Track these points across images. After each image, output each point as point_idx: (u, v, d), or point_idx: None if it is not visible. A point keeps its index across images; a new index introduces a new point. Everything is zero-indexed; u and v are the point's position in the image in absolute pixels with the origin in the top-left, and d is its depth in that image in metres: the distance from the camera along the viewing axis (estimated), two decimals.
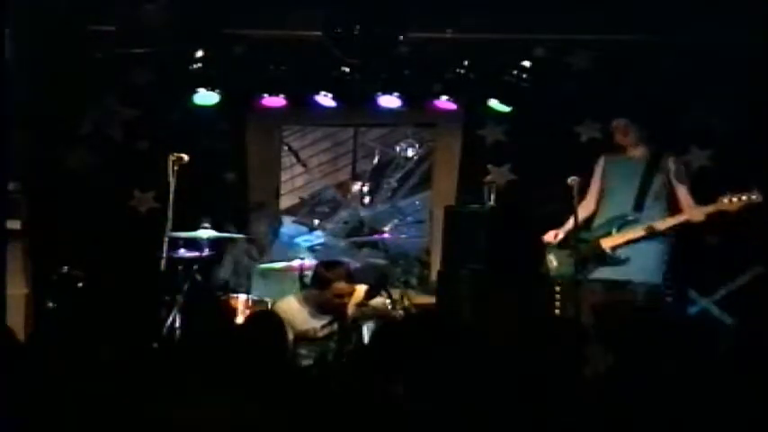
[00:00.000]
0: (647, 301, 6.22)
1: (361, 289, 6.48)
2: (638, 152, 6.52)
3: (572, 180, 6.21)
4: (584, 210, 6.61)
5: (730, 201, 6.12)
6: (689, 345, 3.43)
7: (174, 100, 7.91)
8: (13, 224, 7.00)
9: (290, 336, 6.01)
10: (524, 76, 7.60)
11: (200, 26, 7.41)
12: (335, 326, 6.23)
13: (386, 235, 9.25)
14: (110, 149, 8.09)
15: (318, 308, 6.25)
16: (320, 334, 6.19)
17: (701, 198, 6.39)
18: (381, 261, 8.52)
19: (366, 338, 6.43)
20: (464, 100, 7.98)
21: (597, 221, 6.58)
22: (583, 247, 6.44)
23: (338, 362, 5.90)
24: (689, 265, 7.32)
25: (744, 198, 6.10)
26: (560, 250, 6.64)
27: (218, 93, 7.72)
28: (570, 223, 6.58)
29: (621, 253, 6.32)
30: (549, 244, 6.65)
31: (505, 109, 7.83)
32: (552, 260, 6.69)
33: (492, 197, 7.73)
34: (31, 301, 7.29)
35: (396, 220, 9.92)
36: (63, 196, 7.90)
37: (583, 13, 7.32)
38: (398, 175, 10.29)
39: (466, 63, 7.65)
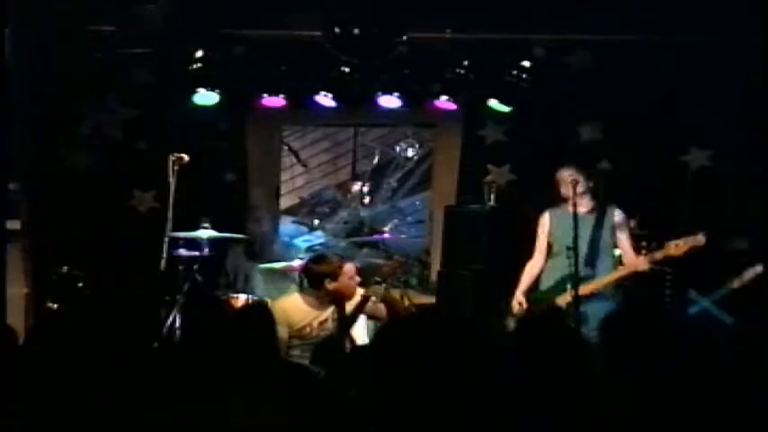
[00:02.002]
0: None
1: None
2: (584, 206, 6.31)
3: (572, 180, 6.20)
4: (533, 268, 6.50)
5: (676, 246, 6.08)
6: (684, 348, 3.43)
7: (174, 100, 7.90)
8: (13, 224, 7.00)
9: (285, 335, 6.00)
10: (524, 76, 7.60)
11: (200, 26, 7.41)
12: (332, 323, 6.21)
13: (386, 235, 9.26)
14: (110, 149, 8.09)
15: (319, 302, 6.22)
16: (316, 332, 6.17)
17: (700, 202, 6.36)
18: (381, 261, 8.52)
19: (361, 332, 6.42)
20: (464, 100, 7.98)
21: (547, 280, 6.42)
22: (538, 306, 6.36)
23: (337, 358, 5.88)
24: (689, 264, 7.33)
25: (688, 242, 6.06)
26: (514, 312, 6.52)
27: (218, 93, 7.72)
28: (524, 284, 6.50)
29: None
30: (516, 314, 6.44)
31: (505, 109, 7.83)
32: (509, 323, 6.54)
33: (492, 197, 7.73)
34: (31, 301, 7.30)
35: (396, 220, 9.93)
36: (63, 196, 7.90)
37: (583, 13, 7.31)
38: (398, 175, 10.30)
39: (466, 63, 7.65)
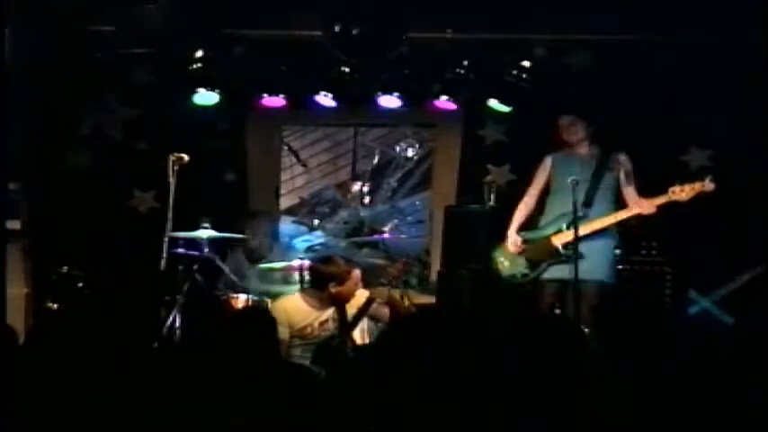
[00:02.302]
0: (601, 298, 6.18)
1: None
2: (585, 149, 6.49)
3: (572, 180, 6.20)
4: (524, 208, 6.61)
5: (681, 190, 6.05)
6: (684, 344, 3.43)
7: (174, 100, 7.90)
8: (13, 224, 7.00)
9: (286, 335, 6.01)
10: (524, 76, 7.60)
11: (200, 26, 7.41)
12: (333, 323, 6.22)
13: (386, 235, 9.25)
14: (110, 149, 8.09)
15: (320, 302, 6.23)
16: (317, 332, 6.18)
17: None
18: (381, 261, 8.53)
19: (361, 333, 6.42)
20: (464, 100, 7.98)
21: (545, 219, 6.53)
22: (533, 246, 6.42)
23: (339, 359, 5.88)
24: (689, 264, 7.33)
25: (695, 187, 6.04)
26: (509, 250, 6.58)
27: (218, 93, 7.71)
28: (516, 222, 6.56)
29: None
30: (513, 252, 6.56)
31: (505, 109, 7.83)
32: (502, 261, 6.60)
33: (492, 197, 7.73)
34: (31, 301, 7.29)
35: (396, 220, 9.92)
36: (63, 196, 7.90)
37: (583, 13, 7.31)
38: (398, 175, 10.30)
39: (466, 63, 7.64)
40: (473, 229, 7.58)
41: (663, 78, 7.55)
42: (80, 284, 6.99)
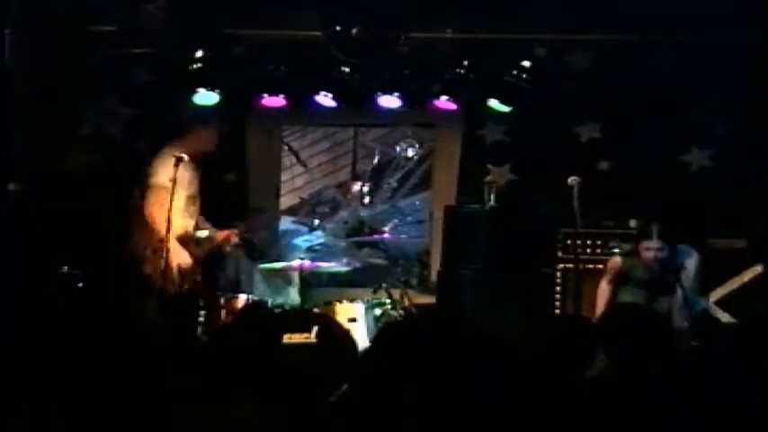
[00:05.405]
0: None
1: None
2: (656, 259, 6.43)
3: (572, 180, 6.20)
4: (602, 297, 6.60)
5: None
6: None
7: (174, 100, 7.90)
8: None
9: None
10: (524, 76, 7.60)
11: (200, 26, 7.41)
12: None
13: (386, 235, 9.23)
14: (110, 149, 8.09)
15: None
16: None
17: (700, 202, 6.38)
18: (381, 261, 8.52)
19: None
20: (464, 100, 7.98)
21: None
22: None
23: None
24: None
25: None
26: None
27: (218, 93, 7.71)
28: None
29: None
30: None
31: (505, 109, 7.83)
32: None
33: (492, 197, 7.73)
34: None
35: (396, 220, 9.91)
36: (63, 196, 7.90)
37: (583, 13, 7.31)
38: (398, 175, 10.29)
39: (466, 63, 7.65)
40: (473, 229, 7.58)
41: (663, 78, 7.55)
42: (80, 284, 6.99)
